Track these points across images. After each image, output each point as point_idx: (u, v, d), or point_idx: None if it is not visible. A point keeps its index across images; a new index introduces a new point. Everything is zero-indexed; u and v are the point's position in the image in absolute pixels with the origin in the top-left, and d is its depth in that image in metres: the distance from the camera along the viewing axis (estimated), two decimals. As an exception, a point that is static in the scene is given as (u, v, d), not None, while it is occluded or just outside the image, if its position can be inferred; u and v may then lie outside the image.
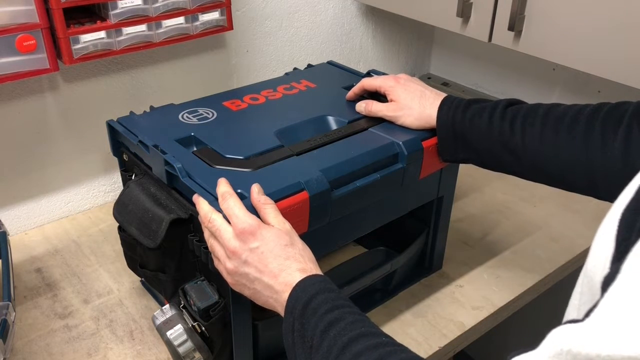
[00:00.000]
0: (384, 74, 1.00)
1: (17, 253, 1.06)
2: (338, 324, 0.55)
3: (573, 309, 0.48)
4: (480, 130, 0.79)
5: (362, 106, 0.89)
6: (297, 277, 0.61)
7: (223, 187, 0.68)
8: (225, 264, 0.66)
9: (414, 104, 0.85)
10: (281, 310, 0.62)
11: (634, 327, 0.31)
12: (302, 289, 0.60)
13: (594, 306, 0.35)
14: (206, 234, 0.69)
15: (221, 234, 0.65)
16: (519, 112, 0.78)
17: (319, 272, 0.63)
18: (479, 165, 0.84)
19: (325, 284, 0.60)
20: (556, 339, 0.35)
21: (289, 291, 0.61)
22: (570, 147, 0.73)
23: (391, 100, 0.88)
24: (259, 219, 0.65)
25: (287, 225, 0.66)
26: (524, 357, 0.37)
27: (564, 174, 0.75)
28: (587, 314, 0.35)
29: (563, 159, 0.74)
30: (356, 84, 0.99)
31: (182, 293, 0.76)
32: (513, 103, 0.80)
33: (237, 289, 0.67)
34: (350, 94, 0.94)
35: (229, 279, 0.66)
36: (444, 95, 0.85)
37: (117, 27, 0.98)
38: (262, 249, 0.63)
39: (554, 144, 0.74)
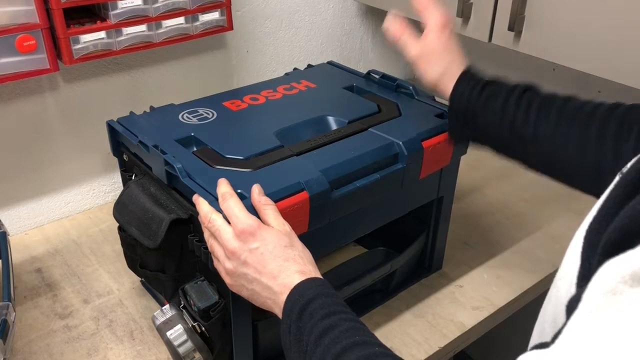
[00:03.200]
0: (384, 74, 1.00)
1: (17, 253, 1.06)
2: (333, 331, 0.55)
3: (539, 325, 0.48)
4: (493, 113, 0.77)
5: (392, 24, 0.84)
6: (296, 279, 0.61)
7: (223, 187, 0.68)
8: (224, 264, 0.66)
9: (441, 63, 0.81)
10: (279, 312, 0.61)
11: None
12: (300, 292, 0.60)
13: (559, 332, 0.36)
14: (206, 234, 0.69)
15: (221, 234, 0.65)
16: (535, 100, 0.76)
17: (318, 274, 0.63)
18: (485, 145, 0.82)
19: (323, 288, 0.60)
20: None
21: (287, 293, 0.60)
22: (582, 145, 0.71)
23: (424, 39, 0.83)
24: (259, 220, 0.65)
25: (287, 227, 0.66)
26: None
27: (571, 171, 0.73)
28: (554, 339, 0.36)
29: (573, 155, 0.72)
30: (356, 84, 1.00)
31: (182, 293, 0.76)
32: (530, 88, 0.78)
33: (235, 289, 0.67)
34: (393, 20, 0.85)
35: (227, 279, 0.66)
36: (464, 67, 0.82)
37: (117, 27, 0.98)
38: (261, 250, 0.63)
39: (565, 139, 0.72)
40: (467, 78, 0.81)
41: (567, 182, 0.76)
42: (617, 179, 0.40)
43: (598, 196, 0.72)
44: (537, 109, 0.75)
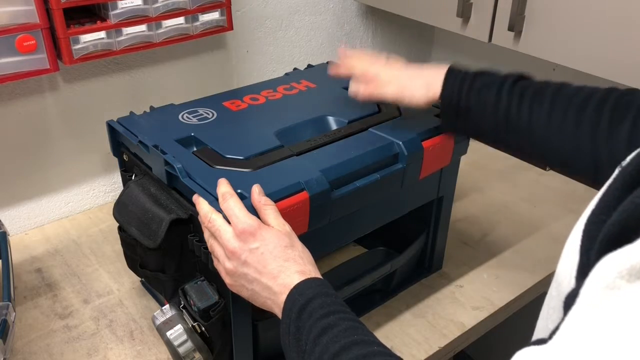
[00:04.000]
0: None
1: (17, 253, 1.06)
2: (332, 330, 0.55)
3: (542, 321, 0.48)
4: (486, 105, 0.76)
5: (357, 91, 0.85)
6: (296, 279, 0.61)
7: (223, 187, 0.68)
8: (224, 264, 0.65)
9: (416, 77, 0.80)
10: (278, 312, 0.61)
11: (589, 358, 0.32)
12: (300, 291, 0.60)
13: (557, 328, 0.36)
14: (206, 234, 0.69)
15: (221, 234, 0.65)
16: (528, 89, 0.75)
17: (317, 275, 0.63)
18: (480, 138, 0.81)
19: (322, 288, 0.60)
20: None
21: (287, 293, 0.60)
22: (577, 132, 0.70)
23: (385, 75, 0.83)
24: (259, 220, 0.65)
25: (287, 227, 0.66)
26: None
27: (568, 159, 0.72)
28: (551, 335, 0.36)
29: (568, 143, 0.71)
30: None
31: (182, 293, 0.76)
32: (522, 77, 0.77)
33: (235, 289, 0.67)
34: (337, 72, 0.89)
35: (227, 279, 0.66)
36: (443, 66, 0.80)
37: (117, 27, 0.98)
38: (261, 250, 0.63)
39: (560, 127, 0.71)
40: (454, 73, 0.79)
41: (564, 171, 0.75)
42: (616, 171, 0.40)
43: (596, 186, 0.71)
44: (531, 97, 0.74)
